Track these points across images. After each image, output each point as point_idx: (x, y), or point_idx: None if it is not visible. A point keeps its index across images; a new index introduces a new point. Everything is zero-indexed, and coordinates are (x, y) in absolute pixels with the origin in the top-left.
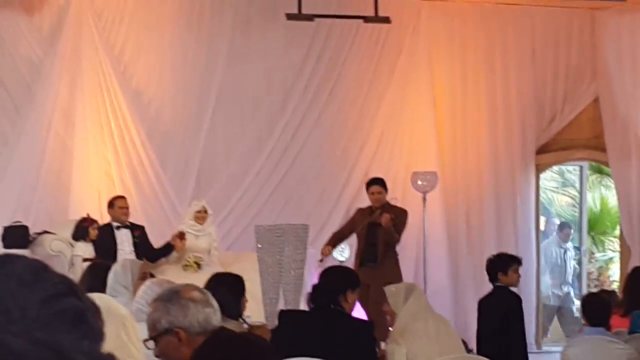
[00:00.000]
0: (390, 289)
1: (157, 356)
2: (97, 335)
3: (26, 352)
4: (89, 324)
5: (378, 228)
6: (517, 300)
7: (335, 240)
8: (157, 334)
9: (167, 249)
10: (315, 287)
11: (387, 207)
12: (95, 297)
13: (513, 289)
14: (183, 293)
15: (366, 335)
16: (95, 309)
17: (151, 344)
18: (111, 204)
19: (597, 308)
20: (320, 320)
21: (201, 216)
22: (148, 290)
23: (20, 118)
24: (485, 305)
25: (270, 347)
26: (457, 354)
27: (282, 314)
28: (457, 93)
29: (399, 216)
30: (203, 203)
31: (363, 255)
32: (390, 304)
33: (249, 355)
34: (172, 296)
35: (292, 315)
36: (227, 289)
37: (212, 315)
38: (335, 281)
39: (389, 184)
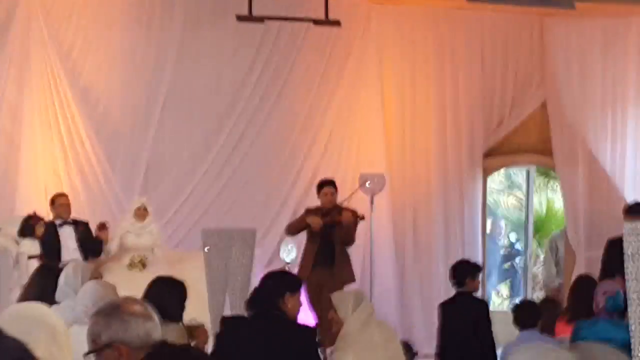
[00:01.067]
0: (338, 296)
1: None
2: None
3: None
4: None
5: (334, 228)
6: (486, 306)
7: (293, 230)
8: (97, 348)
9: (97, 243)
10: (253, 292)
11: (339, 209)
12: (29, 307)
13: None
14: (124, 307)
15: (307, 341)
16: None
17: (92, 358)
18: (52, 202)
19: (526, 312)
20: (260, 326)
21: (140, 214)
22: (90, 290)
23: None
24: (451, 311)
25: None
26: None
27: (224, 320)
28: (406, 95)
29: (353, 217)
30: (143, 200)
31: (317, 255)
32: (337, 311)
33: None
34: (113, 310)
35: (233, 321)
36: (169, 292)
37: (153, 329)
38: (273, 285)
39: (337, 185)
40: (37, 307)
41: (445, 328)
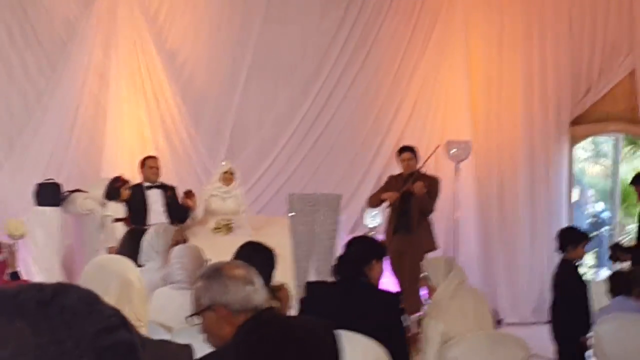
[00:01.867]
0: (430, 262)
1: (202, 332)
2: None
3: None
4: (138, 358)
5: (411, 196)
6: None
7: (374, 202)
8: (198, 310)
9: (185, 210)
10: (340, 258)
11: (418, 175)
12: (112, 259)
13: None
14: (226, 270)
15: (392, 307)
16: (142, 343)
17: (195, 319)
18: (142, 164)
19: (618, 281)
20: (345, 291)
21: (227, 177)
22: (179, 253)
23: (55, 76)
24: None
25: (313, 328)
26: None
27: (309, 285)
28: (493, 62)
29: (432, 185)
30: (230, 165)
31: (396, 223)
32: (429, 277)
33: (289, 337)
34: (215, 273)
35: (318, 286)
36: (261, 258)
37: (254, 293)
38: (360, 251)
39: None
40: (118, 260)
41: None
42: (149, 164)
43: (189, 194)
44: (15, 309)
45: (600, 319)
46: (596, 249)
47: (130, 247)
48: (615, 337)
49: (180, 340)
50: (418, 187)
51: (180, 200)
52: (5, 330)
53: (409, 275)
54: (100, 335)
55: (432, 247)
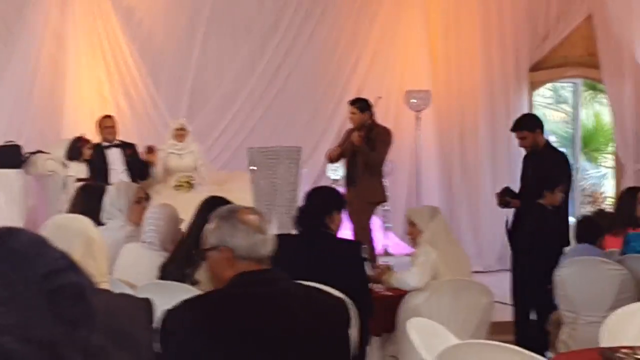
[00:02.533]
0: (413, 211)
1: (206, 271)
2: (94, 315)
3: (19, 353)
4: (88, 301)
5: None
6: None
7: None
8: (205, 248)
9: (147, 166)
10: (301, 210)
11: (368, 127)
12: (70, 218)
13: None
14: (239, 214)
15: (355, 255)
16: (92, 286)
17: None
18: (99, 124)
19: (584, 228)
20: (308, 242)
21: (180, 134)
22: (155, 214)
23: (11, 37)
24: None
25: (320, 304)
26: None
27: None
28: (450, 10)
29: (379, 135)
30: (181, 121)
31: (346, 175)
32: (416, 223)
33: (277, 305)
34: (228, 214)
35: (281, 238)
36: None
37: (262, 243)
38: (320, 202)
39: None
40: (78, 219)
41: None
42: (103, 124)
43: (150, 149)
44: None
45: (564, 262)
46: None
47: (83, 203)
48: (577, 280)
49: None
50: (354, 137)
51: (141, 156)
52: None
53: (355, 225)
54: (49, 277)
55: (378, 198)
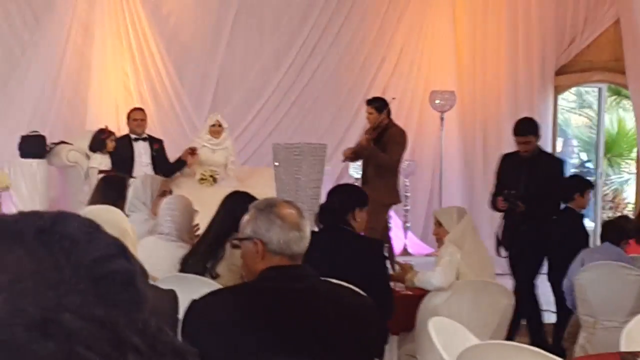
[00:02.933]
0: (443, 211)
1: (241, 258)
2: (145, 302)
3: (79, 330)
4: (138, 287)
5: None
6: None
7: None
8: (239, 237)
9: (179, 164)
10: (323, 207)
11: (383, 128)
12: (102, 209)
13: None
14: (278, 208)
15: (376, 253)
16: (143, 273)
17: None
18: (128, 116)
19: (609, 229)
20: (328, 239)
21: (216, 130)
22: (169, 205)
23: (38, 28)
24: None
25: (351, 302)
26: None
27: None
28: (477, 12)
29: (393, 136)
30: (217, 117)
31: (362, 175)
32: (442, 223)
33: (301, 302)
34: (266, 207)
35: None
36: (246, 207)
37: (296, 241)
38: (343, 200)
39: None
40: (111, 210)
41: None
42: (133, 116)
43: (193, 152)
44: (13, 236)
45: (584, 267)
46: None
47: (104, 195)
48: (596, 285)
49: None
50: (362, 139)
51: (182, 153)
52: (4, 256)
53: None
54: (98, 263)
55: (388, 200)
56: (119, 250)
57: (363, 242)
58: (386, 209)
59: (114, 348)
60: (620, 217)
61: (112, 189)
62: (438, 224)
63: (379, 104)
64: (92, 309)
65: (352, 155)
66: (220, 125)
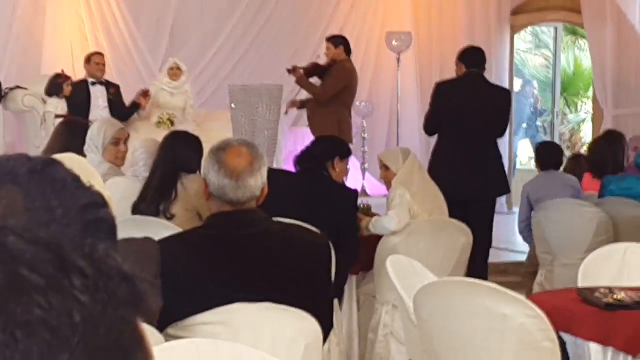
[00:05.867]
0: (386, 153)
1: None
2: (114, 246)
3: (23, 252)
4: (116, 237)
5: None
6: None
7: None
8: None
9: (134, 107)
10: (304, 152)
11: (329, 63)
12: (69, 157)
13: None
14: (224, 152)
15: (349, 202)
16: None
17: None
18: (88, 59)
19: (547, 153)
20: (305, 182)
21: (174, 73)
22: (142, 147)
23: None
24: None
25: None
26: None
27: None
28: None
29: (334, 70)
30: (175, 60)
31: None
32: (389, 166)
33: (246, 249)
34: (216, 149)
35: (278, 174)
36: (185, 145)
37: (231, 188)
38: (325, 147)
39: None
40: (76, 157)
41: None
42: (95, 60)
43: (145, 93)
44: (6, 174)
45: (542, 204)
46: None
47: (65, 140)
48: (553, 223)
49: (121, 231)
50: (294, 73)
51: (134, 97)
52: None
53: None
54: (88, 209)
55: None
56: (104, 201)
57: (338, 189)
58: None
59: (59, 270)
60: (572, 156)
61: (73, 134)
62: (384, 167)
63: (336, 40)
64: (36, 233)
65: (297, 104)
66: (179, 69)
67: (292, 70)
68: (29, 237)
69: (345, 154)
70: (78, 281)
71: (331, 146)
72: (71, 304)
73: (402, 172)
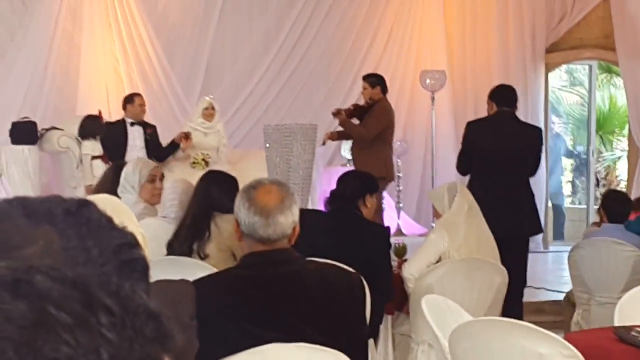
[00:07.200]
0: (433, 192)
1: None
2: (147, 286)
3: (50, 290)
4: (149, 277)
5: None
6: None
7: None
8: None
9: (172, 147)
10: (333, 192)
11: (369, 104)
12: (106, 198)
13: None
14: (255, 190)
15: (382, 239)
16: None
17: None
18: (131, 100)
19: (618, 204)
20: (337, 222)
21: (208, 113)
22: (172, 187)
23: (27, 13)
24: None
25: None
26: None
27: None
28: None
29: (375, 110)
30: (210, 99)
31: (351, 155)
32: (434, 205)
33: (277, 289)
34: (247, 187)
35: (309, 214)
36: (219, 185)
37: (261, 226)
38: (354, 185)
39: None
40: (108, 197)
41: None
42: (138, 101)
43: (187, 136)
44: (42, 215)
45: (578, 243)
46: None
47: (113, 181)
48: (590, 261)
49: (156, 271)
50: (336, 115)
51: (176, 136)
52: (34, 231)
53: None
54: (122, 249)
55: (376, 174)
56: (136, 240)
57: (369, 226)
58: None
59: (85, 308)
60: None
61: (117, 175)
62: (433, 206)
63: (372, 79)
64: (63, 271)
65: (334, 135)
66: (213, 108)
67: (337, 113)
68: (55, 275)
69: (375, 188)
70: (105, 319)
71: (360, 183)
72: (98, 341)
73: (448, 215)
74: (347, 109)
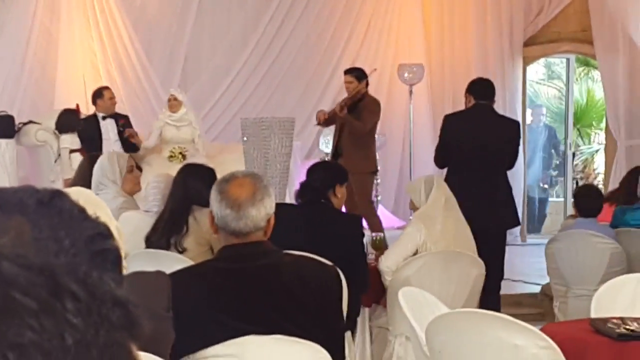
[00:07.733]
0: (411, 185)
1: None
2: (122, 282)
3: (16, 276)
4: (121, 268)
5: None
6: None
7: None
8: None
9: (133, 145)
10: (303, 184)
11: (359, 98)
12: (82, 191)
13: None
14: (228, 183)
15: (355, 229)
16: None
17: None
18: (100, 94)
19: (589, 200)
20: (308, 214)
21: (171, 104)
22: (154, 182)
23: (4, 7)
24: None
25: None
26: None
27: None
28: None
29: (368, 104)
30: (172, 90)
31: (335, 146)
32: (412, 198)
33: (256, 281)
34: (221, 180)
35: (281, 208)
36: (197, 178)
37: (233, 219)
38: (323, 176)
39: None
40: (82, 189)
41: None
42: (108, 95)
43: (131, 136)
44: (14, 205)
45: (555, 236)
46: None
47: (89, 173)
48: (567, 254)
49: (134, 264)
50: (337, 107)
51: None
52: (6, 222)
53: (357, 197)
54: (94, 240)
55: (369, 168)
56: (109, 232)
57: (342, 217)
58: (370, 178)
59: (51, 294)
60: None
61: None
62: (410, 199)
63: (358, 73)
64: (30, 258)
65: (326, 119)
66: (175, 99)
67: (339, 110)
68: (22, 262)
69: (344, 178)
70: (70, 304)
71: (329, 173)
72: (63, 326)
73: (425, 208)
74: (344, 102)
